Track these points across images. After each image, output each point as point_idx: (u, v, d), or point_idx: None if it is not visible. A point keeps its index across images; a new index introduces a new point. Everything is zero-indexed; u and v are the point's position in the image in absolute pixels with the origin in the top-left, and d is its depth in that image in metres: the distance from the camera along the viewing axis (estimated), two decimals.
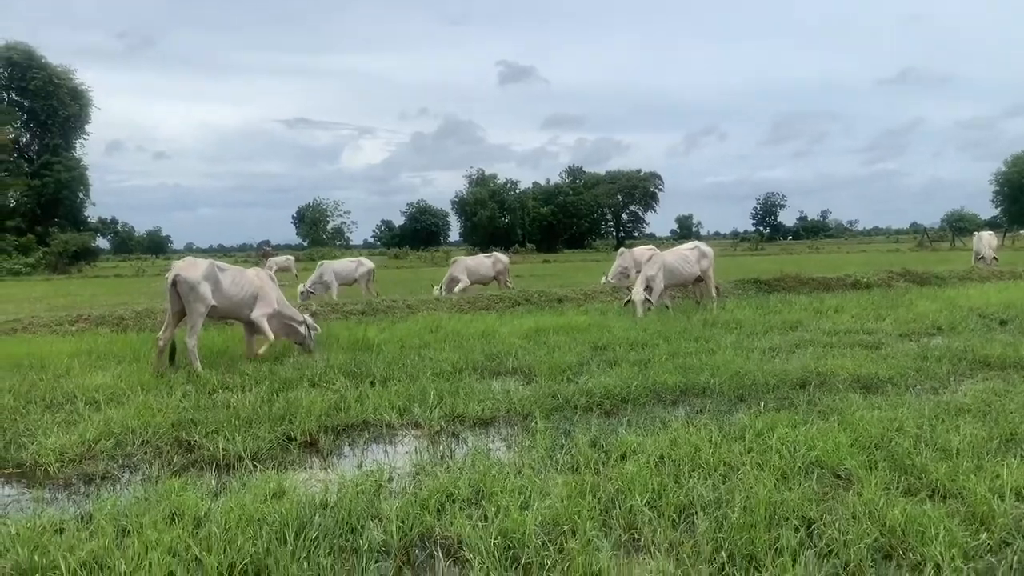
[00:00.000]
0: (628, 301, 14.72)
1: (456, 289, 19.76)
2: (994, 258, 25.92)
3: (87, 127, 67.78)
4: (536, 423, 6.62)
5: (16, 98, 64.57)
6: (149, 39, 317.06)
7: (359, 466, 5.87)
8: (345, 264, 22.15)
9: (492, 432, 6.84)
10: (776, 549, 3.90)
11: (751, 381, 8.25)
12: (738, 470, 5.18)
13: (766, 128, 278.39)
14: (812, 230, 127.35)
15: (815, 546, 3.98)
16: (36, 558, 3.98)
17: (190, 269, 10.26)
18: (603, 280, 22.26)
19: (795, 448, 5.58)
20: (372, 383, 8.60)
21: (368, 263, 22.12)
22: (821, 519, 4.28)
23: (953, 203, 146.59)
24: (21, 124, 65.49)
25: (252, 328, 11.16)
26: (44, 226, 59.15)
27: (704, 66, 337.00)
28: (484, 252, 24.74)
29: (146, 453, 6.28)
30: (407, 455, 6.16)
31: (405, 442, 6.63)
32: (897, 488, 4.73)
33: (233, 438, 6.40)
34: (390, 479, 5.46)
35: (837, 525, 4.14)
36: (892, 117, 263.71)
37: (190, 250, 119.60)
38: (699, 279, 16.00)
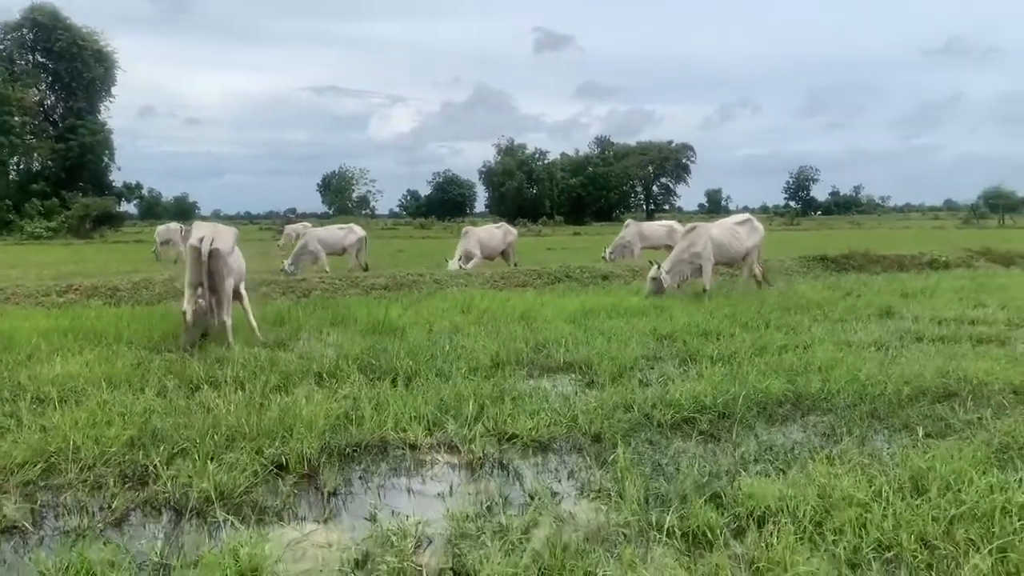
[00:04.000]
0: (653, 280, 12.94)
1: (471, 265, 17.86)
2: None
3: (113, 90, 66.39)
4: (617, 452, 4.83)
5: (41, 60, 63.30)
6: (182, 4, 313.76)
7: (372, 518, 4.13)
8: (332, 231, 19.88)
9: (553, 462, 5.06)
10: None
11: (879, 390, 6.40)
12: (949, 558, 3.37)
13: (801, 100, 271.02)
14: (844, 205, 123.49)
15: None
16: None
17: (225, 238, 9.10)
18: (603, 255, 20.55)
19: (1018, 515, 3.75)
20: (394, 381, 6.86)
21: (359, 230, 19.88)
22: None
23: (989, 179, 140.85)
24: (46, 86, 64.28)
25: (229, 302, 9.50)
26: (68, 190, 57.98)
27: (744, 35, 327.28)
28: (507, 223, 22.47)
29: (82, 486, 4.57)
30: (440, 500, 4.41)
31: (437, 475, 4.87)
32: None
33: (204, 465, 4.69)
34: (416, 547, 3.71)
35: None
36: (932, 90, 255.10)
37: (217, 216, 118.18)
38: (746, 257, 14.03)
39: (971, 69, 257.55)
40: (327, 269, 18.01)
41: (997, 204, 76.07)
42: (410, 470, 4.94)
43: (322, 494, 4.53)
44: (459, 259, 18.09)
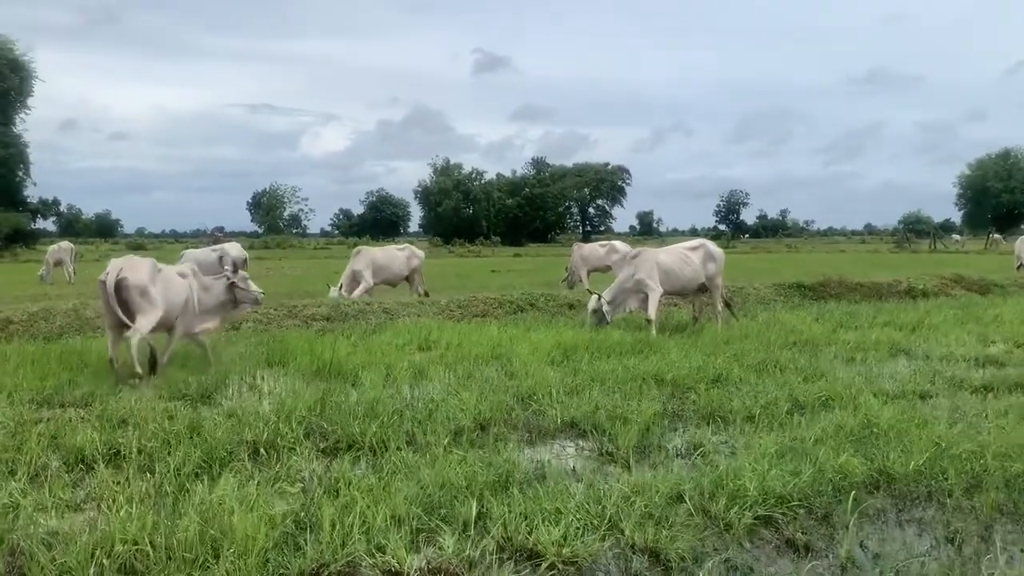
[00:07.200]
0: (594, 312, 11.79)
1: (356, 293, 15.37)
2: None
3: (30, 102, 62.39)
4: None
5: None
6: (111, 15, 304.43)
7: None
8: (206, 253, 16.73)
9: None
10: None
11: (978, 466, 5.04)
12: None
13: (731, 126, 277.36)
14: (772, 229, 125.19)
15: None
16: None
17: (137, 268, 8.31)
18: (563, 280, 19.55)
19: None
20: (356, 457, 5.23)
21: (235, 250, 16.76)
22: None
23: (907, 206, 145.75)
24: None
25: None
26: None
27: (678, 61, 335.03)
28: (412, 246, 19.31)
29: None
30: None
31: None
32: None
33: None
34: None
35: None
36: (856, 118, 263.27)
37: (141, 235, 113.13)
38: (703, 287, 12.66)
39: (893, 98, 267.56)
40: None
41: (923, 229, 77.56)
42: None
43: None
44: (340, 285, 15.56)
